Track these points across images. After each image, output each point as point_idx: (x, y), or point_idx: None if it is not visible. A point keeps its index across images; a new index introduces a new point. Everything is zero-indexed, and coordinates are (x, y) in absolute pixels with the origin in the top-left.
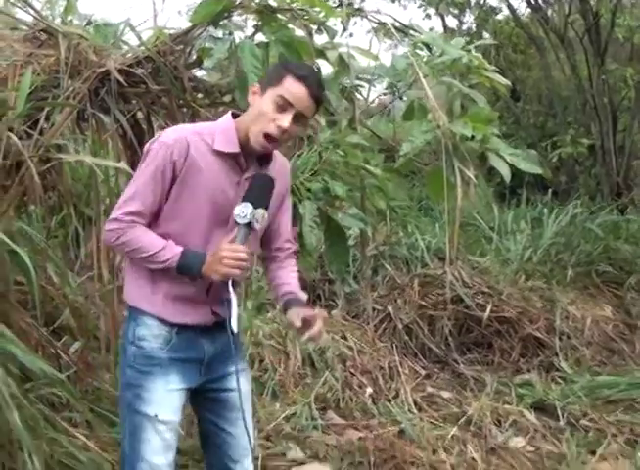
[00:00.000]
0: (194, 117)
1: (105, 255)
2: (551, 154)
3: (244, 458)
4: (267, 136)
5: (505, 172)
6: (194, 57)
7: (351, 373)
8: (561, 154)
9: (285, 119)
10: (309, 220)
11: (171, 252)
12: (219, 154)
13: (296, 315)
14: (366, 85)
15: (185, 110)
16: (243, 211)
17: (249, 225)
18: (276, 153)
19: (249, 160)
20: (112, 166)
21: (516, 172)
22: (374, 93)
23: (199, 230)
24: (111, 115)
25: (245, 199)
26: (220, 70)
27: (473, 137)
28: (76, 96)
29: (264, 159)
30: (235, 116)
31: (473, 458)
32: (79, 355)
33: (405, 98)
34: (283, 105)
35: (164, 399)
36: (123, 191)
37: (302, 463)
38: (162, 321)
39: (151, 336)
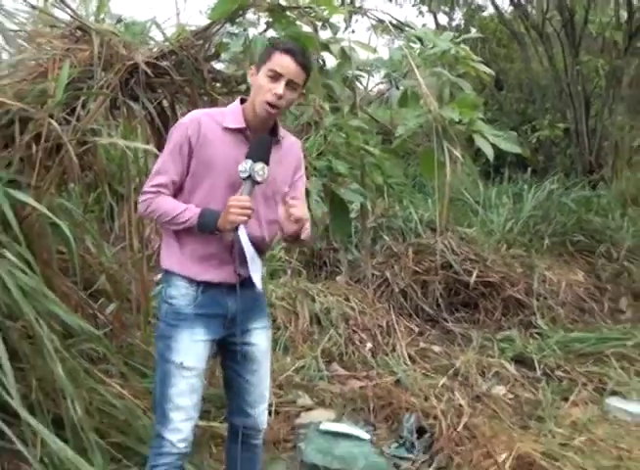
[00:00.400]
0: (213, 105)
1: (136, 227)
2: (531, 136)
3: (259, 404)
4: (268, 104)
5: (489, 151)
6: (213, 50)
7: (353, 330)
8: (539, 136)
9: (279, 87)
10: (315, 195)
11: (191, 212)
12: (229, 130)
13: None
14: (366, 75)
15: (205, 98)
16: (244, 166)
17: (250, 178)
18: (287, 133)
19: (257, 135)
20: (141, 148)
21: (499, 153)
22: (372, 82)
23: (219, 200)
24: (139, 103)
25: (246, 157)
26: (236, 62)
27: (460, 121)
28: (109, 86)
29: (271, 134)
30: (243, 101)
31: (460, 404)
32: (114, 316)
33: (400, 86)
34: (274, 76)
35: (190, 349)
36: (151, 170)
37: (310, 409)
38: (190, 281)
39: (179, 295)
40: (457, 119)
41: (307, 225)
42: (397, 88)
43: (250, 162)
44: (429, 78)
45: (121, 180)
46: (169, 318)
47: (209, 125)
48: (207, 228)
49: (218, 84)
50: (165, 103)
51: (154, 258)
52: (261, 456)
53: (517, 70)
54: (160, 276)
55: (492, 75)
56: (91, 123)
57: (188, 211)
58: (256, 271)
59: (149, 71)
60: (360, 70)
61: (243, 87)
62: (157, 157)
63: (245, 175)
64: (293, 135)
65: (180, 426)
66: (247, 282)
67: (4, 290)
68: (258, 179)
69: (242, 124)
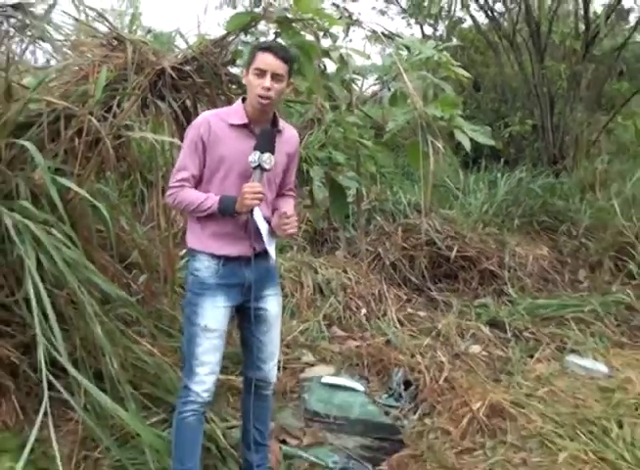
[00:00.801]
0: (229, 104)
1: (163, 210)
2: (503, 131)
3: (270, 360)
4: (260, 97)
5: (467, 144)
6: (229, 57)
7: (350, 298)
8: (511, 131)
9: (266, 81)
10: (318, 181)
11: (212, 200)
12: (234, 126)
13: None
14: (361, 78)
15: (222, 98)
16: (253, 157)
17: (259, 167)
18: (289, 125)
19: (259, 128)
20: (167, 142)
21: (476, 146)
22: (367, 84)
23: (232, 187)
24: (166, 102)
25: (254, 149)
26: None
27: (442, 118)
28: (140, 88)
29: (272, 125)
30: (244, 100)
31: (441, 361)
32: (145, 285)
33: (391, 88)
34: (260, 73)
35: (212, 314)
36: (176, 160)
37: (313, 365)
38: (212, 256)
39: (203, 268)
40: (440, 116)
41: (294, 229)
42: (388, 89)
43: (257, 153)
44: (415, 81)
45: (151, 169)
46: (195, 288)
47: (218, 124)
48: (227, 212)
49: (234, 86)
50: (188, 102)
51: (179, 235)
52: (271, 405)
53: (491, 74)
54: (184, 251)
55: (470, 79)
56: (125, 120)
57: (209, 200)
58: (271, 245)
59: (174, 75)
60: (356, 74)
61: None
62: (180, 149)
63: (254, 165)
64: (295, 129)
65: (204, 379)
66: (261, 255)
67: (52, 262)
68: (267, 167)
69: (245, 120)
